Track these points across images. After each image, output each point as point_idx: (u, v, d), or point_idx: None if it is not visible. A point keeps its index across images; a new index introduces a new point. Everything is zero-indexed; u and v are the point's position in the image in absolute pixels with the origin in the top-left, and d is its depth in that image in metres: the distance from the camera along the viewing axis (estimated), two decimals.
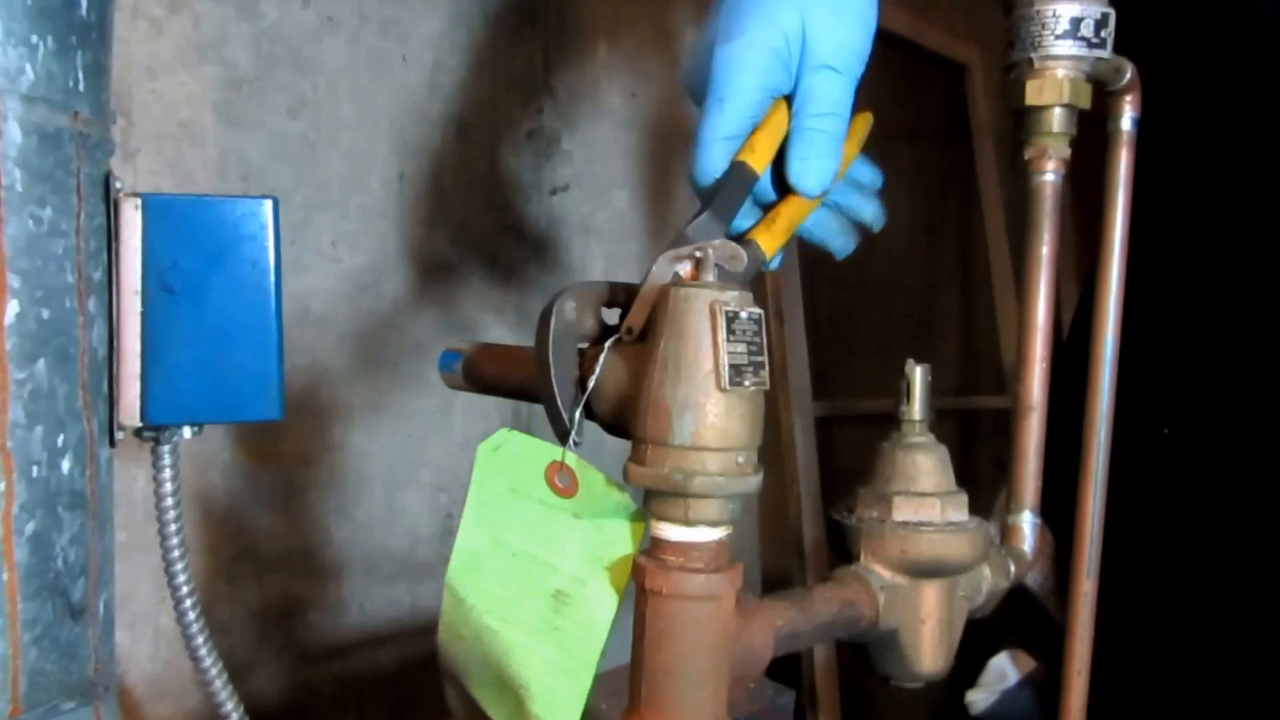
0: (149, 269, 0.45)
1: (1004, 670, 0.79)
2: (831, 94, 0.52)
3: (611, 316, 0.50)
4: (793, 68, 0.52)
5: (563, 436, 0.48)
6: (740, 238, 0.52)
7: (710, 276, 0.46)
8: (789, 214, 0.54)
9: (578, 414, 0.48)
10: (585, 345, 0.50)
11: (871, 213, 0.59)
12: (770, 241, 0.53)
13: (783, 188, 0.54)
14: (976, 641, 0.62)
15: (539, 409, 0.50)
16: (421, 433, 1.14)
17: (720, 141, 0.51)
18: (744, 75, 0.51)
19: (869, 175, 0.59)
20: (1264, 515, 0.68)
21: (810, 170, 0.52)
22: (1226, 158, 0.70)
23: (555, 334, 0.48)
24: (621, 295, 0.50)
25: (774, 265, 0.56)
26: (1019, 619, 0.78)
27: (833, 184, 0.54)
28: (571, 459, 0.48)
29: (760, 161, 0.53)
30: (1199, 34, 0.69)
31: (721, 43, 0.52)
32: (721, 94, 0.51)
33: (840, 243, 0.58)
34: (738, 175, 0.52)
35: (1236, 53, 0.68)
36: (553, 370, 0.48)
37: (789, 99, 0.53)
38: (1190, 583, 0.73)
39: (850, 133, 0.55)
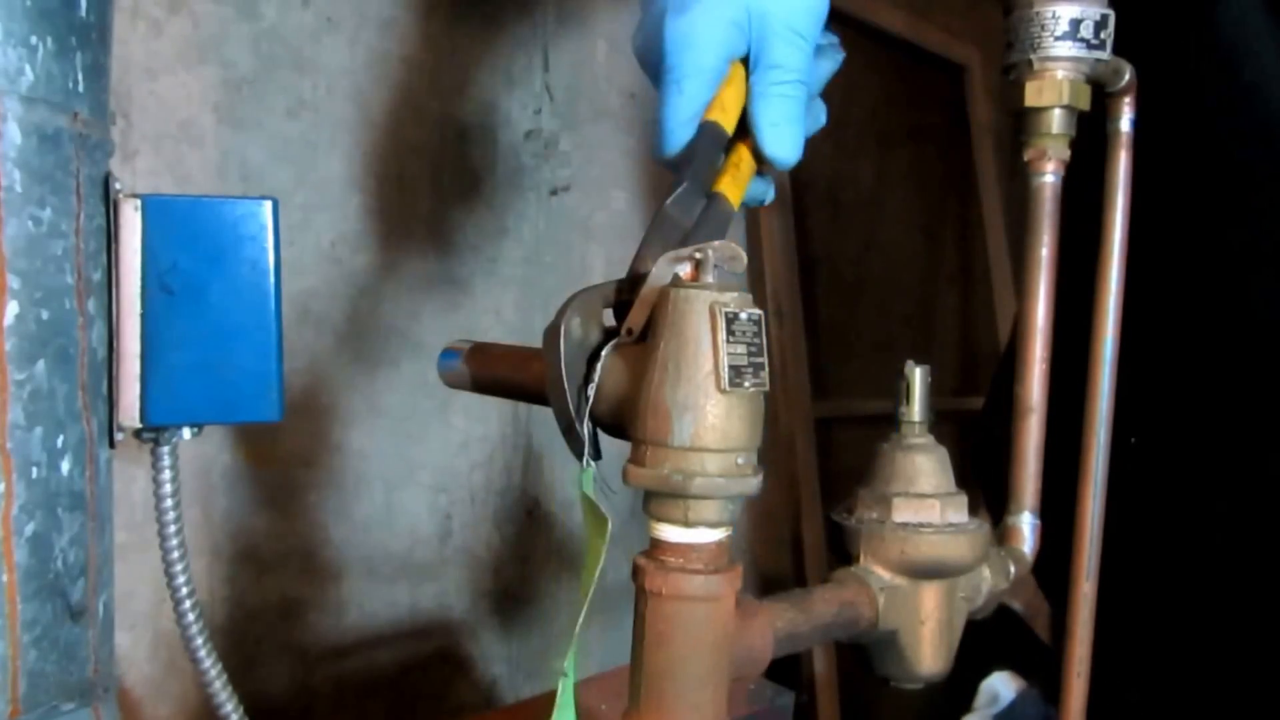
0: (148, 270, 0.45)
1: (996, 693, 0.79)
2: (795, 60, 0.50)
3: (610, 318, 0.50)
4: (749, 32, 0.50)
5: (580, 455, 0.48)
6: (707, 194, 0.51)
7: (710, 278, 0.46)
8: (747, 159, 0.53)
9: (587, 428, 0.48)
10: (592, 355, 0.49)
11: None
12: (736, 192, 0.52)
13: (739, 135, 0.53)
14: (966, 665, 0.62)
15: (538, 410, 0.50)
16: (421, 433, 1.14)
17: (683, 124, 0.50)
18: (702, 52, 0.49)
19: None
20: (1231, 524, 0.68)
21: (783, 140, 0.51)
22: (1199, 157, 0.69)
23: (567, 356, 0.48)
24: (615, 291, 0.50)
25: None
26: (1008, 642, 0.78)
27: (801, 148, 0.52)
28: (588, 485, 0.48)
29: (730, 120, 0.51)
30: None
31: (674, 14, 0.50)
32: (678, 73, 0.50)
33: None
34: (710, 137, 0.51)
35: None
36: (568, 392, 0.48)
37: (745, 59, 0.52)
38: (1155, 591, 0.73)
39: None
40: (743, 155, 0.53)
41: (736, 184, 0.53)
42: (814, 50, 0.52)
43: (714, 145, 0.51)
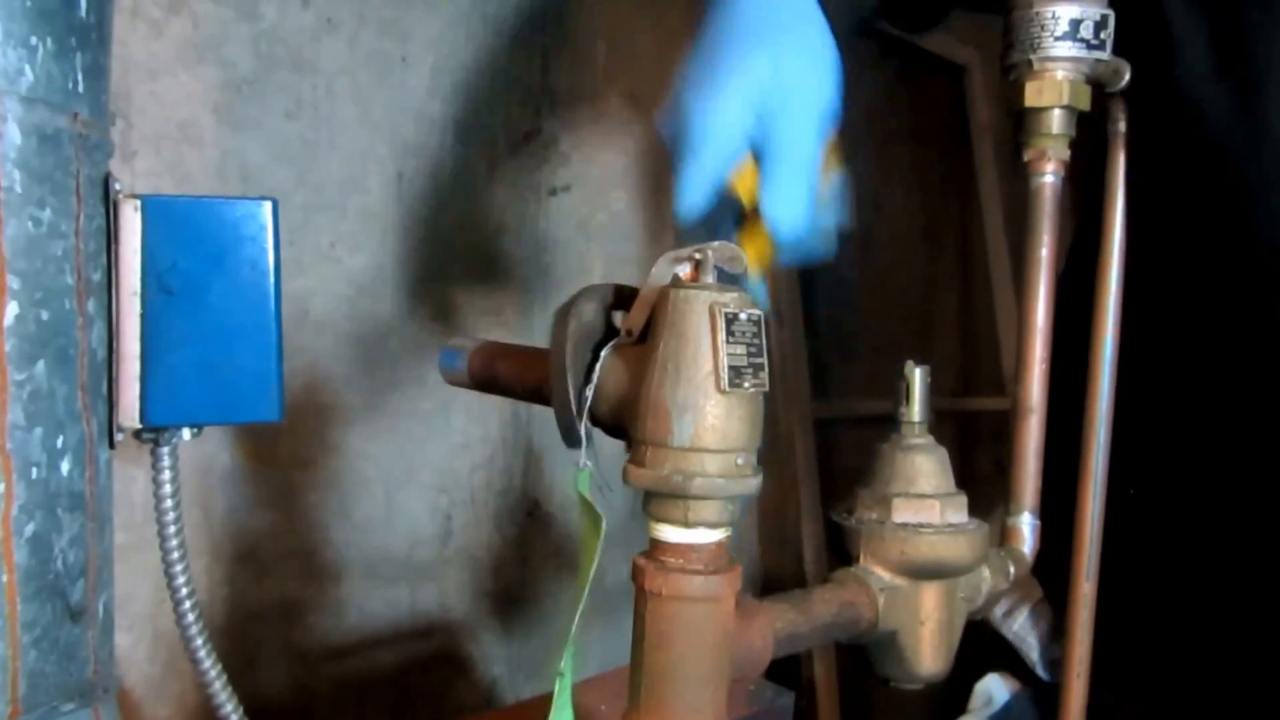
0: (148, 270, 0.45)
1: (991, 694, 0.79)
2: (802, 143, 0.53)
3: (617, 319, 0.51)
4: (764, 117, 0.53)
5: (574, 442, 0.48)
6: None
7: (710, 278, 0.46)
8: (765, 235, 0.55)
9: (583, 427, 0.48)
10: (596, 348, 0.49)
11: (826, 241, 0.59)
12: (753, 253, 0.54)
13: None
14: (966, 666, 0.62)
15: (538, 410, 0.50)
16: (421, 434, 1.14)
17: (698, 188, 0.52)
18: (718, 124, 0.52)
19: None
20: (1231, 525, 0.68)
21: (787, 215, 0.53)
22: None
23: (574, 339, 0.48)
24: (626, 297, 0.50)
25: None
26: (1003, 648, 0.79)
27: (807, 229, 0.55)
28: (583, 484, 0.48)
29: (747, 193, 0.54)
30: None
31: (694, 91, 0.53)
32: (695, 141, 0.52)
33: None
34: (726, 203, 0.54)
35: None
36: (569, 378, 0.48)
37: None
38: (1154, 592, 0.73)
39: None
40: (760, 230, 0.55)
41: (754, 247, 0.54)
42: (824, 134, 0.54)
43: (728, 208, 0.54)
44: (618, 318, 0.51)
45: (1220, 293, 0.66)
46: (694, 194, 0.52)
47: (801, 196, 0.53)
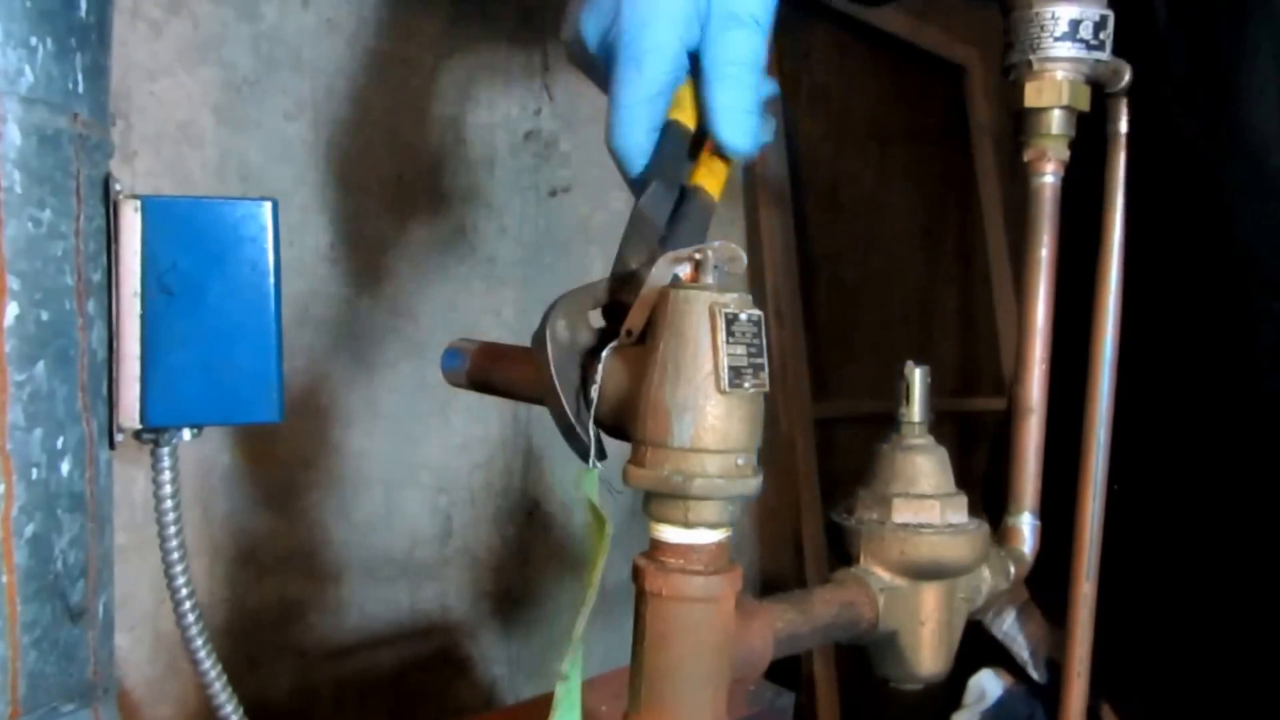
0: (148, 271, 0.45)
1: (984, 689, 0.79)
2: (749, 45, 0.49)
3: (599, 319, 0.51)
4: (704, 16, 0.48)
5: (584, 456, 0.48)
6: (685, 188, 0.51)
7: (710, 278, 0.46)
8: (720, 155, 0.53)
9: (592, 430, 0.48)
10: (584, 357, 0.49)
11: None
12: (715, 184, 0.52)
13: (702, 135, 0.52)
14: (963, 664, 0.63)
15: (538, 411, 0.50)
16: (421, 434, 1.14)
17: (643, 104, 0.49)
18: (661, 30, 0.48)
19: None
20: (1230, 528, 0.69)
21: (738, 124, 0.49)
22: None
23: (556, 361, 0.48)
24: (605, 291, 0.50)
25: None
26: (996, 647, 0.79)
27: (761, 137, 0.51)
28: (591, 486, 0.48)
29: (690, 118, 0.51)
30: None
31: None
32: (637, 51, 0.48)
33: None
34: (674, 135, 0.51)
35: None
36: (562, 395, 0.47)
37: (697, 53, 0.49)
38: (1152, 593, 0.73)
39: None
40: (711, 154, 0.52)
41: (714, 176, 0.52)
42: (766, 37, 0.50)
43: (679, 142, 0.51)
44: (594, 317, 0.50)
45: (1207, 292, 0.66)
46: (637, 113, 0.48)
47: (753, 107, 0.50)
